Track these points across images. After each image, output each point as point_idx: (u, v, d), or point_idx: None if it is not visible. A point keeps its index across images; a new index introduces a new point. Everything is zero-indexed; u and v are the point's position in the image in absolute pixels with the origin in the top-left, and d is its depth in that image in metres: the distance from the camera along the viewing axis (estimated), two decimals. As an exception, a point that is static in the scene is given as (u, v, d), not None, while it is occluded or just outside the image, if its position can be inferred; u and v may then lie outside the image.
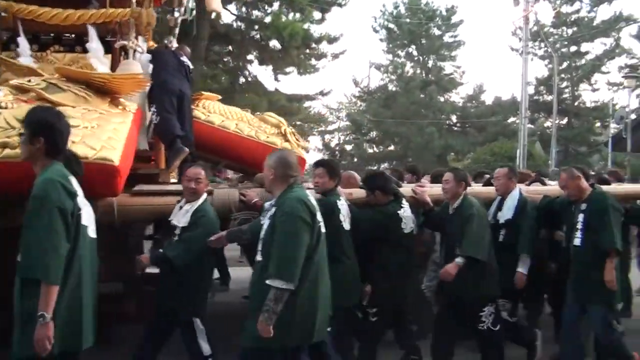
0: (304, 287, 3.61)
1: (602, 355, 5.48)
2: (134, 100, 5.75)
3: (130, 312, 5.81)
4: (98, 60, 6.07)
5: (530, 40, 27.82)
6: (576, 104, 34.98)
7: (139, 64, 6.21)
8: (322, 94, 30.07)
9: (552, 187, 6.83)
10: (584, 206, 5.32)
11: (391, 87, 37.73)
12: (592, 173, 8.70)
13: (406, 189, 5.92)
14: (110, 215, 4.64)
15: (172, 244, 4.51)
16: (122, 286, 5.92)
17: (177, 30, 7.59)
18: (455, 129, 37.16)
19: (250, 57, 26.28)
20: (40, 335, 3.05)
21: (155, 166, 6.18)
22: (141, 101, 6.00)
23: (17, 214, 3.41)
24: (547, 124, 34.23)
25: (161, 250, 4.65)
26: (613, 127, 25.98)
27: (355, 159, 34.84)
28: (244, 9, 25.36)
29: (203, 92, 7.20)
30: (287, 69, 26.55)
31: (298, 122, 32.53)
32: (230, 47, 26.11)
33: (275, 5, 25.06)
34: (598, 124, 34.57)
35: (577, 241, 5.29)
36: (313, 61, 27.07)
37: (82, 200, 3.37)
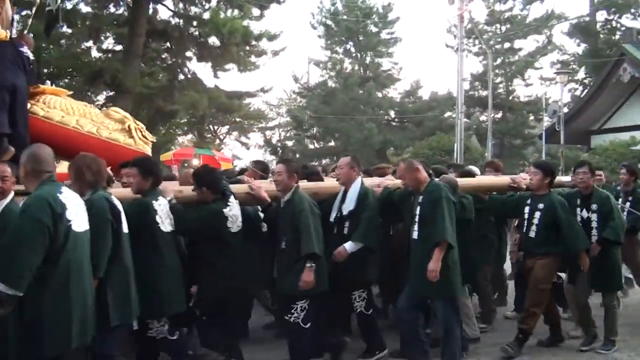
0: (48, 293, 3.45)
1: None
2: None
3: None
4: None
5: (465, 38, 28.43)
6: (510, 98, 35.92)
7: None
8: (262, 90, 30.17)
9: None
10: (420, 198, 5.29)
11: (330, 83, 37.96)
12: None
13: (242, 186, 5.74)
14: None
15: None
16: None
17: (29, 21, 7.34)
18: (394, 124, 37.67)
19: (189, 54, 26.09)
20: None
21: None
22: None
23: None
24: (483, 118, 34.98)
25: None
26: (546, 121, 26.84)
27: (297, 155, 34.93)
28: (181, 5, 25.08)
29: (46, 87, 6.87)
30: (227, 66, 26.47)
31: (238, 119, 32.53)
32: (168, 44, 25.82)
33: (214, 2, 24.87)
34: (532, 118, 35.55)
35: (414, 234, 5.28)
36: (253, 58, 27.09)
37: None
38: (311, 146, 38.53)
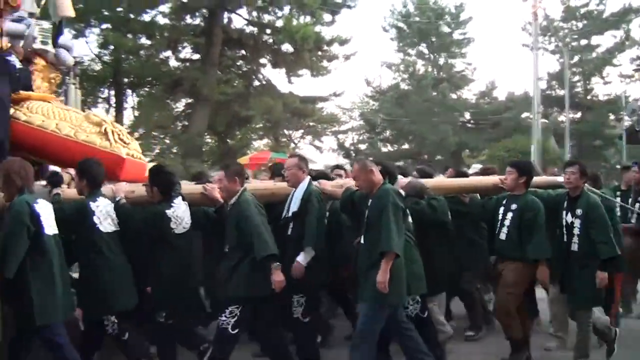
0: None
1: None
2: None
3: None
4: None
5: (540, 35, 27.88)
6: (589, 97, 34.89)
7: None
8: (335, 95, 30.32)
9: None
10: (370, 202, 5.03)
11: (403, 85, 37.81)
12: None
13: (195, 187, 5.77)
14: None
15: None
16: None
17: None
18: (469, 125, 37.19)
19: (263, 60, 26.63)
20: None
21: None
22: None
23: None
24: (561, 118, 34.16)
25: None
26: (627, 120, 25.92)
27: (371, 159, 34.92)
28: (255, 14, 25.63)
29: (32, 93, 6.96)
30: (300, 72, 26.83)
31: (312, 123, 32.84)
32: (243, 52, 26.44)
33: (286, 10, 25.32)
34: (612, 117, 34.42)
35: (362, 238, 5.05)
36: (325, 63, 27.34)
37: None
38: (384, 149, 38.46)
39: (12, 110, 6.24)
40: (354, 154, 36.89)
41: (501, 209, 5.72)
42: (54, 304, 4.35)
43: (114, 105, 29.17)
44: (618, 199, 7.21)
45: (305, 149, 39.03)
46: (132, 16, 25.23)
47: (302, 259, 5.30)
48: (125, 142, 6.34)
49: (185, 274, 5.15)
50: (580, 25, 34.55)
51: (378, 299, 4.75)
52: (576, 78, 34.63)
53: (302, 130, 35.73)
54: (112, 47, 25.85)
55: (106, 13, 25.53)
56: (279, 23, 25.17)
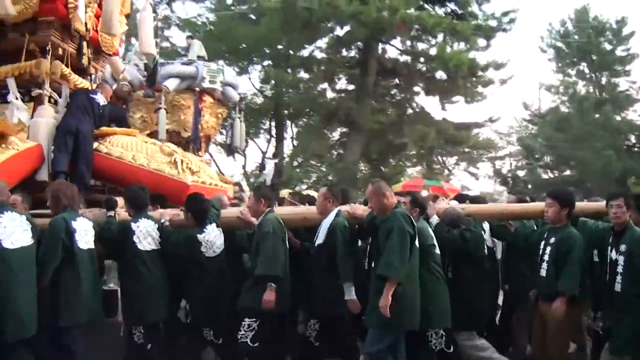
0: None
1: None
2: (40, 139, 6.71)
3: None
4: (15, 109, 6.89)
5: None
6: None
7: (51, 109, 7.12)
8: (491, 120, 29.79)
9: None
10: (381, 226, 4.97)
11: (563, 108, 36.28)
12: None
13: (232, 210, 6.02)
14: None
15: None
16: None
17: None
18: (636, 149, 34.95)
19: (417, 88, 26.82)
20: None
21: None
22: (46, 140, 6.80)
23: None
24: None
25: None
26: None
27: (529, 186, 33.83)
28: (408, 43, 25.93)
29: (117, 129, 7.64)
30: (454, 98, 26.72)
31: (467, 149, 32.42)
32: (397, 81, 26.79)
33: (440, 37, 25.38)
34: None
35: (373, 262, 5.01)
36: (480, 88, 27.03)
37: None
38: (544, 176, 37.01)
39: (95, 144, 7.03)
40: (511, 181, 35.90)
41: (542, 243, 5.35)
42: (78, 309, 4.82)
43: (274, 135, 30.63)
44: None
45: (460, 175, 38.60)
46: (291, 52, 26.49)
47: (349, 295, 5.28)
48: (192, 171, 6.98)
49: (217, 295, 5.43)
50: None
51: (382, 324, 4.74)
52: None
53: (456, 157, 35.38)
54: (273, 81, 27.26)
55: (267, 50, 27.04)
56: (433, 51, 25.27)
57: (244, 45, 26.46)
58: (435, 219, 5.64)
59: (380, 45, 25.50)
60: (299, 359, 5.77)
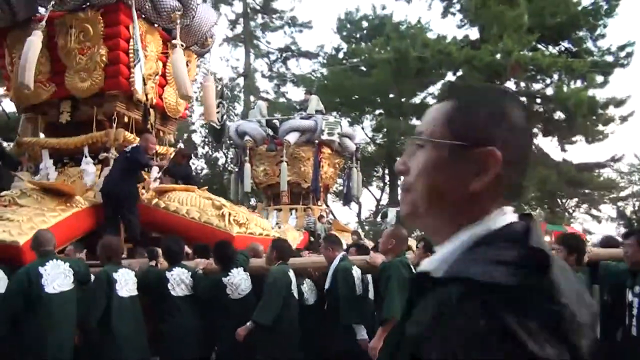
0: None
1: None
2: None
3: None
4: (89, 171, 8.06)
5: None
6: None
7: None
8: (613, 159, 28.55)
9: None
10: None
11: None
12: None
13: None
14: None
15: None
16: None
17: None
18: None
19: (534, 130, 26.21)
20: None
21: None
22: None
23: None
24: None
25: None
26: None
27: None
28: (523, 84, 25.55)
29: (177, 186, 8.47)
30: (574, 138, 25.88)
31: (587, 191, 31.19)
32: (514, 123, 26.36)
33: (555, 77, 24.85)
34: None
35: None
36: (600, 127, 26.02)
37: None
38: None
39: (155, 200, 7.92)
40: (635, 223, 34.04)
41: (629, 294, 4.84)
42: (117, 347, 5.28)
43: (387, 183, 30.77)
44: None
45: (581, 218, 37.02)
46: (403, 100, 26.75)
47: (359, 336, 5.43)
48: (239, 223, 7.71)
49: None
50: None
51: None
52: None
53: (576, 199, 34.08)
54: (385, 130, 27.54)
55: (379, 100, 27.45)
56: (549, 91, 24.75)
57: (356, 97, 27.02)
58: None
59: (493, 88, 25.26)
60: None
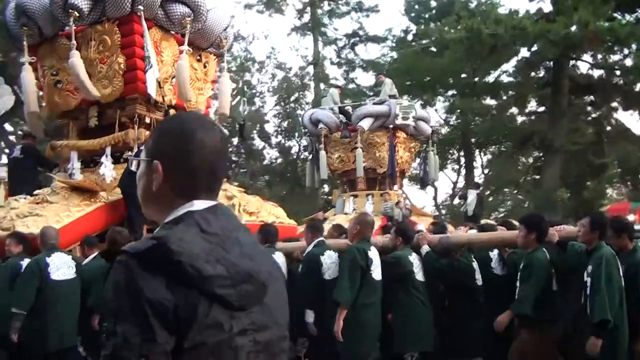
0: None
1: None
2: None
3: None
4: (106, 169, 8.58)
5: None
6: None
7: None
8: (702, 131, 27.25)
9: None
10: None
11: None
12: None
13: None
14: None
15: None
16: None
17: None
18: None
19: (614, 104, 25.33)
20: None
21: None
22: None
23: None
24: None
25: None
26: None
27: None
28: (599, 56, 24.68)
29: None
30: (657, 110, 24.87)
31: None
32: (592, 97, 25.55)
33: (634, 46, 23.86)
34: None
35: None
36: (686, 99, 24.90)
37: None
38: None
39: None
40: None
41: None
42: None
43: (463, 165, 30.39)
44: None
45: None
46: (476, 79, 26.31)
47: (307, 319, 5.66)
48: (249, 212, 8.43)
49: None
50: None
51: (342, 351, 5.21)
52: None
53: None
54: (458, 111, 27.18)
55: (451, 80, 27.10)
56: (628, 62, 23.81)
57: (428, 78, 26.74)
58: (425, 248, 5.80)
59: (571, 62, 24.50)
60: None
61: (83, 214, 7.75)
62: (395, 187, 16.62)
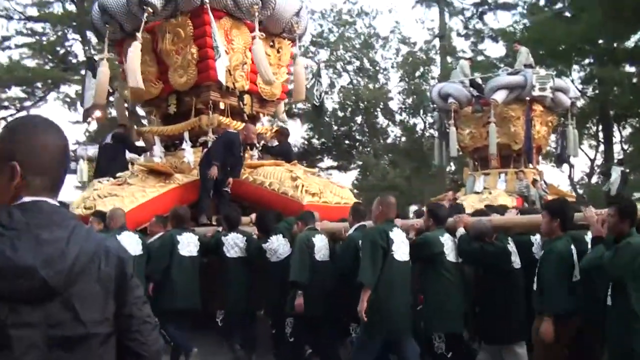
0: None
1: None
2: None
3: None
4: (187, 153, 9.44)
5: None
6: None
7: None
8: None
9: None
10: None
11: None
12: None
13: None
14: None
15: None
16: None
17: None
18: None
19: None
20: None
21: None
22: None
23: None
24: None
25: None
26: None
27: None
28: None
29: (265, 162, 9.74)
30: None
31: None
32: None
33: None
34: None
35: None
36: None
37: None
38: None
39: (245, 175, 9.08)
40: None
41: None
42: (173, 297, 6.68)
43: (602, 140, 28.03)
44: None
45: None
46: (615, 45, 23.98)
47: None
48: (311, 193, 8.55)
49: (282, 296, 6.34)
50: None
51: (363, 330, 5.34)
52: None
53: None
54: (596, 81, 25.00)
55: (587, 48, 24.88)
56: None
57: (562, 47, 24.63)
58: (460, 231, 5.71)
59: None
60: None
61: (157, 195, 8.44)
62: (531, 165, 15.70)
